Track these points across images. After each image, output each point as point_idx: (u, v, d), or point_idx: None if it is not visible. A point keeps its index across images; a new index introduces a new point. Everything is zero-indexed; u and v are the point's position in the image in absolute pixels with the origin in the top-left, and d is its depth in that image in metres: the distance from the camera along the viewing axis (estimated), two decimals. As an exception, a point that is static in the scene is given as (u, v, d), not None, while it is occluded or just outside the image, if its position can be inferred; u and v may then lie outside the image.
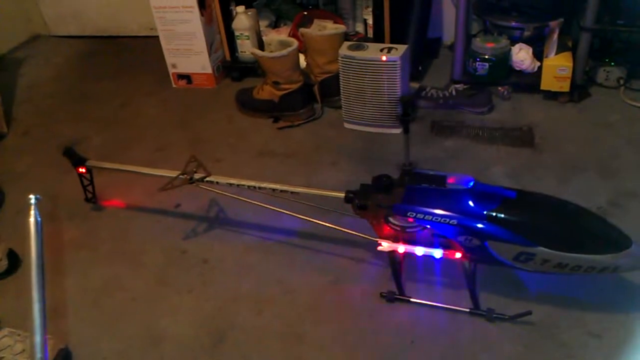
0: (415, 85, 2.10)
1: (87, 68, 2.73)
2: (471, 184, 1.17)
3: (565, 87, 1.99)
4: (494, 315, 1.22)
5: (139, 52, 2.78)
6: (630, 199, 1.53)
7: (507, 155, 1.78)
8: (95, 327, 1.33)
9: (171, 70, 2.42)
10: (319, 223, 1.38)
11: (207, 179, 1.46)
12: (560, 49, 2.01)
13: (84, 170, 1.63)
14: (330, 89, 2.06)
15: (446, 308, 1.26)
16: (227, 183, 1.44)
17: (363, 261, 1.42)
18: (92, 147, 2.03)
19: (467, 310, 1.24)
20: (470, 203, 1.16)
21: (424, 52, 2.30)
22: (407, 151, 1.24)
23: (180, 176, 1.47)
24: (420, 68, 2.24)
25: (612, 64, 2.06)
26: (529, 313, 1.19)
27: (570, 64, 1.95)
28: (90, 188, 1.69)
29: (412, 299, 1.29)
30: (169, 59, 2.39)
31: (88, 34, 3.01)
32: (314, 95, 2.09)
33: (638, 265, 1.15)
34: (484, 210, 1.15)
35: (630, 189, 1.57)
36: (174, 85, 2.44)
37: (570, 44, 2.06)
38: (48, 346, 1.19)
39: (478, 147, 1.84)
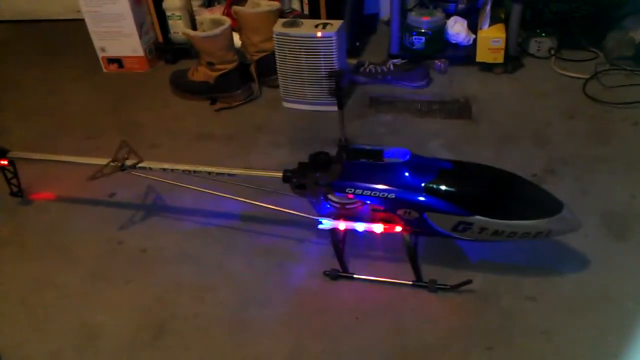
0: (353, 61, 2.08)
1: (8, 55, 2.56)
2: (407, 156, 1.17)
3: (499, 58, 2.02)
4: (436, 286, 1.23)
5: (65, 36, 2.63)
6: (563, 166, 1.58)
7: (446, 128, 1.80)
8: (24, 329, 1.25)
9: (100, 55, 2.30)
10: (258, 205, 1.35)
11: (140, 165, 1.40)
12: (494, 21, 2.04)
13: (5, 162, 1.53)
14: (267, 68, 2.01)
15: (389, 282, 1.26)
16: (161, 168, 1.39)
17: (305, 241, 1.40)
18: (16, 138, 1.91)
19: (410, 282, 1.25)
20: (407, 175, 1.15)
21: (361, 28, 2.29)
22: (342, 126, 1.23)
23: (111, 163, 1.40)
24: (357, 44, 2.23)
25: (543, 34, 2.11)
26: (470, 282, 1.21)
27: (504, 36, 1.98)
28: (14, 181, 1.59)
29: (355, 276, 1.28)
30: (97, 43, 2.27)
31: (8, 18, 2.83)
32: (250, 75, 2.04)
33: (570, 228, 1.19)
34: (422, 183, 1.15)
35: (562, 156, 1.62)
36: (104, 70, 2.33)
37: (503, 15, 2.09)
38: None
39: (417, 120, 1.85)
